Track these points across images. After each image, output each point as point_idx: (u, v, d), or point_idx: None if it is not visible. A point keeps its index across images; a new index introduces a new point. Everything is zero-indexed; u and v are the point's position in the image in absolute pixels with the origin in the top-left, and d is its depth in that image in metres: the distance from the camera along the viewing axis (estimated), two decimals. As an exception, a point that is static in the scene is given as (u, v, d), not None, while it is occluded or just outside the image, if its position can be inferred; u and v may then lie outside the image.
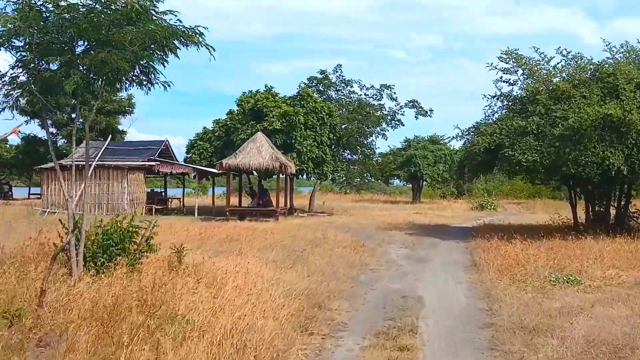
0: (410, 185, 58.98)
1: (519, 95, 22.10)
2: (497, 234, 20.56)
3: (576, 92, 19.86)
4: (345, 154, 36.36)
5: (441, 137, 56.21)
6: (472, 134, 23.27)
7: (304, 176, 31.35)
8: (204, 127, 32.89)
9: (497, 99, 22.69)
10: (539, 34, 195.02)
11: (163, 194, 34.37)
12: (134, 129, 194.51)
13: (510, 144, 19.87)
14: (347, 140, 33.76)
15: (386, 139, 35.96)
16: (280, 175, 31.07)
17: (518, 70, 22.02)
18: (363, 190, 75.71)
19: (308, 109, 30.86)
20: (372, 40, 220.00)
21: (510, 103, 22.41)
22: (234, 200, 38.20)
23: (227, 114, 32.30)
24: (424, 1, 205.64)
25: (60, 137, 39.76)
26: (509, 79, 22.36)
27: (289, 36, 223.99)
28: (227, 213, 26.45)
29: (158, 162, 29.89)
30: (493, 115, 22.99)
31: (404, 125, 36.67)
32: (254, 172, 29.21)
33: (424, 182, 57.08)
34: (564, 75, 21.25)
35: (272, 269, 12.10)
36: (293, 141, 29.19)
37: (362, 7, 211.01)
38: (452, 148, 55.06)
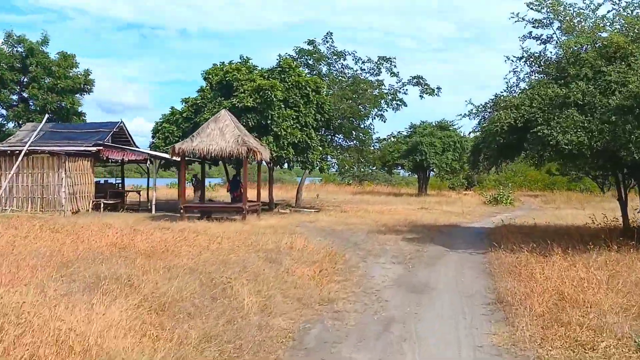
0: (416, 176, 53.43)
1: (555, 56, 16.65)
2: (524, 241, 15.36)
3: (636, 48, 14.42)
4: (339, 139, 31.00)
5: (450, 122, 50.55)
6: (490, 109, 17.82)
7: (285, 165, 25.95)
8: (172, 108, 27.55)
9: (525, 61, 17.23)
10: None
11: (119, 185, 29.09)
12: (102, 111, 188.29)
13: (544, 119, 14.52)
14: (339, 123, 28.34)
15: (384, 121, 30.29)
16: (254, 163, 25.83)
17: (553, 22, 16.54)
18: (366, 181, 70.40)
19: (290, 83, 25.51)
20: (383, 28, 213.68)
21: (542, 67, 16.94)
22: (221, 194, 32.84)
23: (197, 92, 26.98)
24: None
25: (8, 119, 34.51)
26: (541, 35, 16.92)
27: (300, 25, 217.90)
28: (181, 210, 21.17)
29: (102, 147, 24.60)
30: (518, 84, 17.59)
31: (406, 105, 31.28)
32: (217, 159, 23.83)
33: (431, 173, 51.51)
34: (616, 27, 15.78)
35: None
36: (269, 122, 23.84)
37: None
38: (462, 135, 49.53)
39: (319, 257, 13.56)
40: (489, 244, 17.15)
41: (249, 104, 23.25)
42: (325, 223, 21.99)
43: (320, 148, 26.82)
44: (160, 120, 27.71)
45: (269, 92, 23.18)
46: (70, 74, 33.74)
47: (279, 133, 23.87)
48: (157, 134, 27.05)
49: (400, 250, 15.56)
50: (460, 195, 50.03)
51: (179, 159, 21.70)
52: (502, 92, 18.05)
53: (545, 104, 14.82)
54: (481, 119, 18.38)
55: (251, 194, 28.09)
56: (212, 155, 20.95)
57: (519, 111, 15.06)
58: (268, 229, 19.03)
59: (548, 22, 16.55)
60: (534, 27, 16.74)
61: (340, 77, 30.47)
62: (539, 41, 17.05)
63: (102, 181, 29.44)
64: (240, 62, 26.71)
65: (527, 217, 28.45)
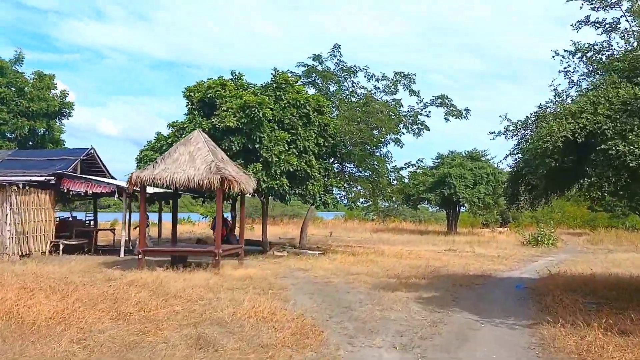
0: (445, 212, 48.45)
1: (624, 48, 12.06)
2: (586, 303, 10.76)
3: None
4: (351, 169, 26.52)
5: (483, 152, 45.74)
6: (533, 125, 13.24)
7: (278, 197, 21.50)
8: (158, 133, 23.48)
9: (582, 57, 12.66)
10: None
11: (90, 223, 24.93)
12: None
13: (616, 131, 9.95)
14: (348, 150, 23.91)
15: (401, 147, 25.73)
16: (250, 196, 21.55)
17: (622, 3, 12.00)
18: (391, 217, 65.52)
19: (286, 102, 21.28)
20: (412, 64, 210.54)
21: (607, 62, 12.34)
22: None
23: (185, 114, 22.91)
24: (464, 25, 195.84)
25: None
26: (604, 20, 12.37)
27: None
28: (139, 256, 16.78)
29: (64, 178, 20.53)
30: (571, 89, 13.03)
31: (429, 130, 26.76)
32: (186, 190, 19.57)
33: (462, 208, 46.52)
34: None
35: None
36: (257, 146, 19.53)
37: (402, 31, 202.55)
38: (496, 166, 44.56)
39: (283, 335, 9.01)
40: (536, 308, 12.39)
41: (231, 124, 19.02)
42: (323, 272, 17.43)
43: (324, 178, 22.36)
44: (145, 147, 23.62)
45: (257, 110, 18.94)
46: (46, 97, 30.07)
47: (269, 159, 19.52)
48: (140, 163, 22.91)
49: (410, 321, 10.83)
50: (495, 233, 44.82)
51: (138, 190, 17.43)
52: (550, 101, 13.55)
53: (616, 109, 10.25)
54: (521, 139, 13.79)
55: (255, 233, 23.74)
56: (178, 185, 16.64)
57: (579, 121, 10.46)
58: (241, 283, 14.59)
59: (614, 1, 12.02)
60: (593, 8, 12.21)
61: (349, 97, 26.10)
62: (601, 29, 12.49)
63: (69, 217, 25.34)
64: (231, 79, 22.59)
65: (577, 262, 23.42)
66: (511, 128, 13.76)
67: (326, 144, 22.34)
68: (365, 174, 26.92)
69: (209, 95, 20.34)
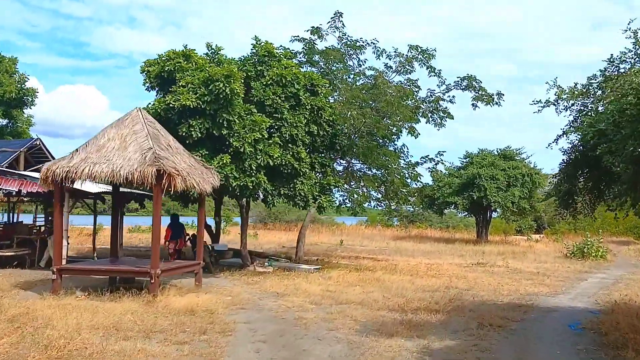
0: (474, 218, 43.30)
1: None
2: None
3: None
4: (361, 167, 21.93)
5: (517, 150, 40.53)
6: (600, 88, 8.56)
7: (255, 198, 16.99)
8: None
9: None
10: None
11: (40, 228, 20.60)
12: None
13: None
14: (349, 141, 19.35)
15: (416, 137, 20.98)
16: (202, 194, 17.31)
17: None
18: (417, 222, 60.56)
19: (269, 78, 16.86)
20: (444, 69, 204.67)
21: None
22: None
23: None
24: (496, 30, 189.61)
25: None
26: None
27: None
28: (54, 275, 12.45)
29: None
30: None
31: (452, 118, 22.05)
32: (114, 185, 15.21)
33: (493, 213, 41.32)
34: None
35: None
36: (225, 132, 15.07)
37: (434, 36, 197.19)
38: (532, 166, 39.40)
39: None
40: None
41: (190, 103, 14.60)
42: (302, 299, 12.93)
43: (318, 176, 17.90)
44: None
45: (222, 85, 14.51)
46: (2, 81, 25.95)
47: (242, 150, 15.08)
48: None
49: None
50: (531, 242, 39.60)
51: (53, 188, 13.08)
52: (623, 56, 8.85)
53: None
54: (580, 112, 9.15)
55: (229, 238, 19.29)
56: (100, 180, 12.27)
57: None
58: (172, 319, 10.21)
59: None
60: None
61: (355, 80, 21.42)
62: None
63: (12, 221, 21.16)
64: (206, 54, 18.20)
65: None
66: (565, 96, 9.10)
67: (321, 133, 17.81)
68: (377, 172, 22.28)
69: (167, 69, 15.99)
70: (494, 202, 36.48)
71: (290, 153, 16.55)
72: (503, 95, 22.38)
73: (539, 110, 9.97)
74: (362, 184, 20.88)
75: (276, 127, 16.61)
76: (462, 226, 62.30)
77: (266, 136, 15.87)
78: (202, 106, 14.74)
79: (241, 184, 15.23)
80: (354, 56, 21.67)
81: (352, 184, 21.69)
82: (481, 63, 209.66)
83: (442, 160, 22.05)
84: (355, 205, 20.20)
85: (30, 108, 27.46)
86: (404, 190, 23.10)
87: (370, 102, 19.38)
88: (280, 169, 16.48)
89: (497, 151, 40.46)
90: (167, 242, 17.66)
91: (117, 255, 14.49)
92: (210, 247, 21.92)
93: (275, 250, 28.24)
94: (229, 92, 14.58)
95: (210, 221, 21.81)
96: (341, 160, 21.37)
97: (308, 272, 18.68)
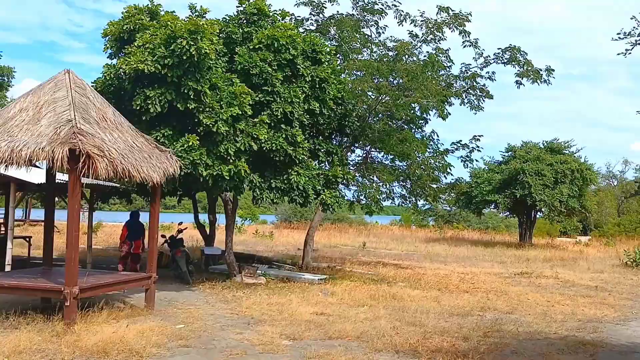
0: (516, 218, 38.95)
1: None
2: None
3: None
4: (379, 157, 18.38)
5: (566, 143, 36.09)
6: None
7: (230, 190, 13.33)
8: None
9: None
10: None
11: (-2, 226, 17.45)
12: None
13: None
14: (362, 123, 15.75)
15: (444, 119, 17.21)
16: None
17: None
18: (454, 222, 56.40)
19: (257, 42, 13.41)
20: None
21: None
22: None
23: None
24: (540, 26, 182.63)
25: None
26: None
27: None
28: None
29: None
30: None
31: (492, 97, 18.26)
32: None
33: (538, 214, 36.94)
34: None
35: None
36: (192, 105, 11.63)
37: (477, 31, 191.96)
38: (583, 160, 34.98)
39: None
40: None
41: (145, 68, 11.22)
42: (276, 330, 9.42)
43: (321, 165, 14.42)
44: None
45: (185, 44, 11.10)
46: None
47: (214, 129, 11.65)
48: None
49: None
50: (580, 247, 35.23)
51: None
52: None
53: None
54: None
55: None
56: (-3, 164, 8.97)
57: None
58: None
59: None
60: None
61: (370, 48, 17.69)
62: None
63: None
64: (188, 16, 14.80)
65: None
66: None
67: (325, 112, 14.27)
68: (400, 163, 18.60)
69: (126, 28, 12.65)
70: (539, 201, 32.26)
71: (283, 136, 13.06)
72: (553, 71, 18.45)
73: (626, 51, 6.33)
74: (376, 176, 17.11)
75: (265, 103, 13.15)
76: (502, 227, 57.83)
77: (250, 113, 12.39)
78: (162, 72, 11.34)
79: (214, 173, 11.79)
80: (372, 22, 17.98)
81: (371, 177, 18.05)
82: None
83: (477, 146, 18.21)
84: (371, 202, 16.48)
85: (8, 89, 24.57)
86: (433, 185, 19.37)
87: (389, 77, 15.67)
88: (269, 156, 13.01)
89: (543, 144, 36.14)
90: (121, 244, 14.47)
91: (50, 264, 11.21)
92: (201, 250, 18.70)
93: (288, 253, 24.81)
94: (194, 53, 11.15)
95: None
96: (356, 148, 17.76)
97: (311, 283, 15.21)
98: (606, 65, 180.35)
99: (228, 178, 11.92)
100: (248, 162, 12.94)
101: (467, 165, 18.35)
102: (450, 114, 17.09)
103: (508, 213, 38.99)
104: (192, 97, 11.58)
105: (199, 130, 11.79)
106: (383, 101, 15.17)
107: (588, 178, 33.17)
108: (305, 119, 13.75)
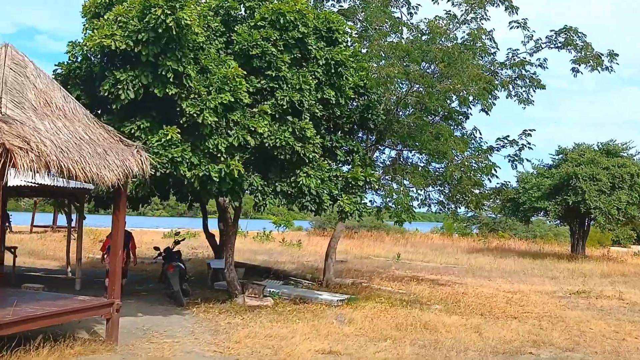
0: (568, 227, 35.65)
1: None
2: None
3: None
4: (412, 157, 15.96)
5: (625, 145, 32.78)
6: None
7: (224, 195, 11.03)
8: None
9: None
10: None
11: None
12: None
13: None
14: (390, 116, 13.36)
15: (488, 113, 14.71)
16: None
17: None
18: (499, 231, 53.10)
19: (261, 17, 11.20)
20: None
21: None
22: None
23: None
24: (587, 28, 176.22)
25: None
26: None
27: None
28: None
29: None
30: None
31: (544, 88, 15.62)
32: None
33: (591, 222, 33.56)
34: None
35: None
36: (173, 91, 9.47)
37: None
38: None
39: None
40: None
41: (113, 44, 9.10)
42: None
43: (339, 165, 12.14)
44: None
45: (161, 13, 8.94)
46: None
47: (200, 120, 9.46)
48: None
49: None
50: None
51: None
52: None
53: None
54: None
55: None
56: None
57: None
58: None
59: None
60: None
61: (399, 28, 15.21)
62: None
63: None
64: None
65: None
66: None
67: (342, 102, 11.95)
68: (438, 165, 16.11)
69: (101, 1, 10.57)
70: (594, 209, 29.09)
71: (290, 129, 10.79)
72: (617, 56, 15.68)
73: None
74: (407, 179, 14.57)
75: (268, 90, 10.91)
76: (551, 236, 54.15)
77: (247, 101, 10.16)
78: (135, 49, 9.21)
79: (200, 174, 9.58)
80: (402, 1, 15.55)
81: (402, 180, 15.56)
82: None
83: (529, 143, 15.52)
84: (401, 210, 14.00)
85: None
86: (475, 190, 16.80)
87: (422, 61, 13.23)
88: (273, 154, 10.76)
89: (598, 146, 32.88)
90: (104, 255, 12.42)
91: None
92: (207, 264, 16.55)
93: (313, 265, 22.48)
94: (172, 25, 8.98)
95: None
96: (385, 147, 15.35)
97: (329, 305, 12.89)
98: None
99: (218, 180, 9.69)
100: (248, 161, 10.76)
101: (516, 165, 15.75)
102: (495, 104, 14.55)
103: (559, 221, 35.77)
104: (172, 80, 9.41)
105: (181, 122, 9.61)
106: (414, 90, 12.74)
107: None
108: (317, 110, 11.46)
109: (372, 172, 12.68)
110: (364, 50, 14.05)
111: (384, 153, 17.10)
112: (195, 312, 11.59)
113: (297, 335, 9.57)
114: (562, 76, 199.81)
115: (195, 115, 9.46)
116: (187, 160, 9.49)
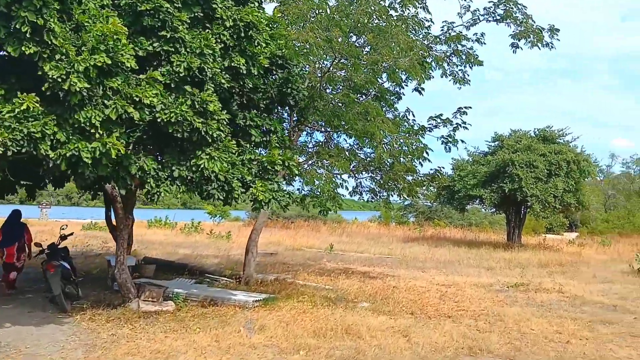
0: (504, 215, 35.14)
1: None
2: None
3: None
4: (346, 141, 14.47)
5: (561, 131, 32.36)
6: None
7: (107, 179, 9.22)
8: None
9: None
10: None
11: None
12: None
13: None
14: (312, 92, 11.76)
15: (421, 93, 13.33)
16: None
17: None
18: (436, 219, 52.71)
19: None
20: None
21: None
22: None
23: None
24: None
25: None
26: None
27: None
28: None
29: None
30: None
31: (481, 64, 14.34)
32: None
33: (526, 210, 33.04)
34: None
35: None
36: (31, 50, 7.57)
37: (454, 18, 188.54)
38: (580, 150, 31.30)
39: None
40: None
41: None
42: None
43: (252, 147, 10.49)
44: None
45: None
46: None
47: (64, 86, 7.57)
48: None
49: None
50: (575, 247, 31.62)
51: None
52: None
53: None
54: None
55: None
56: None
57: None
58: None
59: None
60: None
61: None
62: None
63: None
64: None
65: None
66: None
67: (255, 73, 10.26)
68: (370, 150, 14.69)
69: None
70: (530, 196, 28.49)
71: (189, 102, 9.01)
72: (558, 31, 14.58)
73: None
74: (326, 161, 12.96)
75: (162, 54, 9.12)
76: (486, 224, 54.17)
77: (132, 65, 8.33)
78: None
79: (68, 154, 7.72)
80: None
81: (328, 165, 13.97)
82: (509, 51, 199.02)
83: (464, 122, 14.21)
84: (326, 198, 12.45)
85: None
86: (408, 177, 15.46)
87: (347, 30, 11.66)
88: (168, 131, 8.97)
89: (535, 132, 32.35)
90: None
91: None
92: (107, 260, 14.57)
93: (239, 259, 20.69)
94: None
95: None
96: (311, 129, 13.74)
97: (243, 307, 11.26)
98: (589, 60, 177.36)
99: (91, 162, 7.84)
100: (139, 140, 8.95)
101: (450, 148, 14.42)
102: (427, 79, 13.16)
103: (494, 209, 35.21)
104: (30, 36, 7.48)
105: (43, 89, 7.70)
106: (339, 62, 11.17)
107: (586, 170, 29.46)
108: (224, 81, 9.71)
109: (292, 155, 11.03)
110: (281, 17, 12.35)
111: (312, 136, 15.55)
112: (78, 320, 9.73)
113: (191, 350, 7.92)
114: (497, 68, 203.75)
115: (60, 80, 7.59)
116: (51, 137, 7.61)
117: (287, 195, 10.74)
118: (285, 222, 45.14)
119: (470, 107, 14.20)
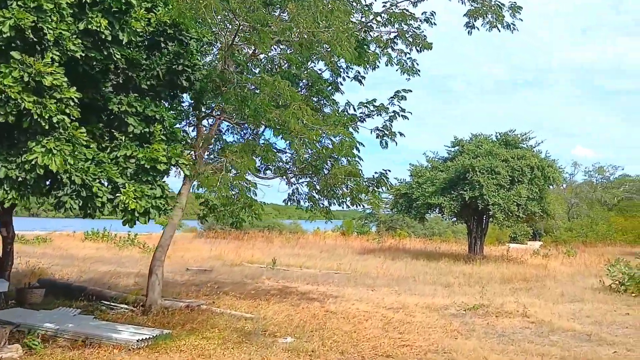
0: (466, 224, 32.97)
1: None
2: None
3: None
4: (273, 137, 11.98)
5: (524, 136, 30.40)
6: None
7: None
8: None
9: None
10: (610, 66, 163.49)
11: None
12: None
13: None
14: (211, 72, 9.28)
15: (362, 82, 10.96)
16: None
17: None
18: (397, 229, 50.46)
19: None
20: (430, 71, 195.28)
21: None
22: None
23: None
24: (487, 33, 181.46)
25: None
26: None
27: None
28: None
29: None
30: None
31: (430, 48, 11.94)
32: None
33: (489, 219, 30.77)
34: None
35: None
36: None
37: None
38: (544, 156, 29.37)
39: None
40: None
41: None
42: None
43: (126, 140, 7.93)
44: None
45: None
46: None
47: None
48: None
49: None
50: (540, 258, 29.66)
51: None
52: None
53: None
54: None
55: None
56: None
57: None
58: None
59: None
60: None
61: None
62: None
63: None
64: None
65: None
66: None
67: (124, 39, 7.72)
68: (307, 152, 12.19)
69: None
70: (492, 205, 26.39)
71: (16, 73, 6.43)
72: (520, 9, 12.40)
73: None
74: (229, 158, 10.33)
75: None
76: (449, 234, 52.15)
77: None
78: None
79: None
80: None
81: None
82: (469, 63, 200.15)
83: (402, 110, 11.83)
84: (240, 207, 9.89)
85: None
86: (350, 183, 13.02)
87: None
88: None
89: (497, 136, 30.37)
90: None
91: None
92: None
93: (167, 278, 17.91)
94: None
95: None
96: (212, 117, 11.19)
97: (125, 349, 8.63)
98: (551, 72, 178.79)
99: None
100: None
101: (386, 142, 12.02)
102: (378, 65, 10.81)
103: (455, 219, 33.12)
104: None
105: None
106: (242, 32, 8.70)
107: (550, 177, 27.51)
108: (76, 48, 7.14)
109: (182, 151, 8.49)
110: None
111: (237, 132, 13.02)
112: None
113: None
114: (460, 79, 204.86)
115: None
116: None
117: (168, 203, 8.18)
118: (239, 233, 42.19)
119: (411, 91, 11.88)
